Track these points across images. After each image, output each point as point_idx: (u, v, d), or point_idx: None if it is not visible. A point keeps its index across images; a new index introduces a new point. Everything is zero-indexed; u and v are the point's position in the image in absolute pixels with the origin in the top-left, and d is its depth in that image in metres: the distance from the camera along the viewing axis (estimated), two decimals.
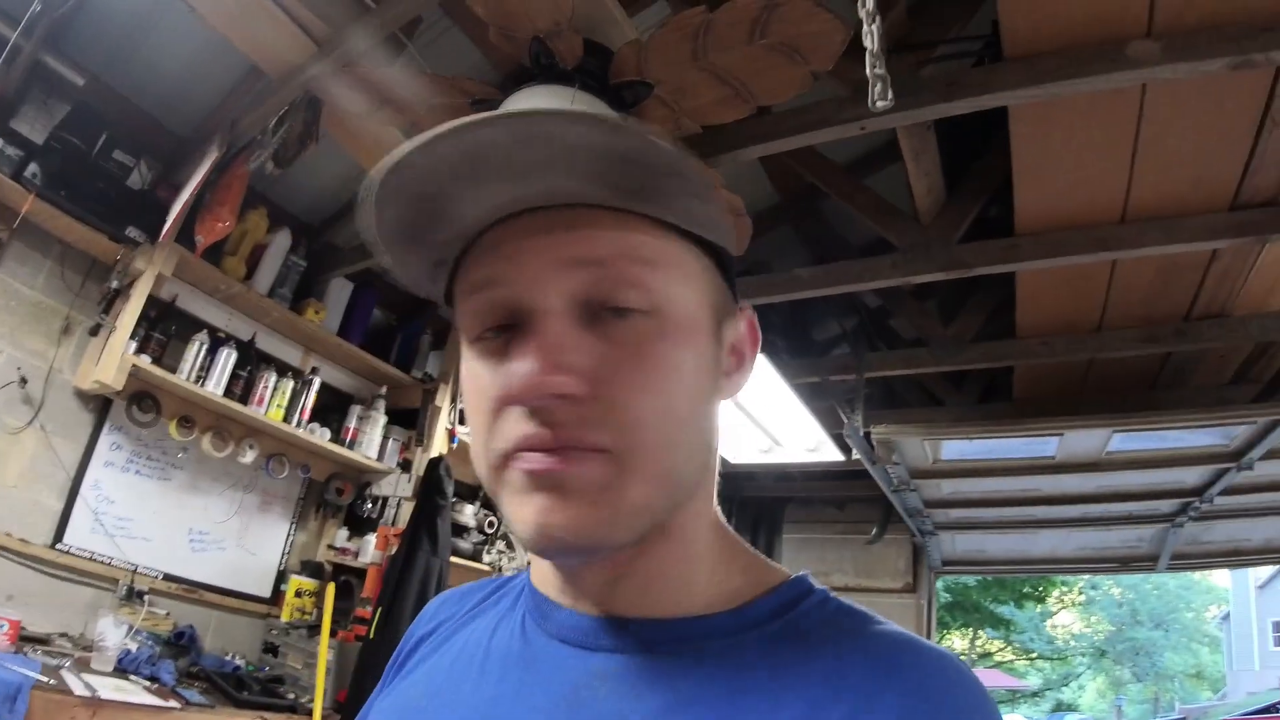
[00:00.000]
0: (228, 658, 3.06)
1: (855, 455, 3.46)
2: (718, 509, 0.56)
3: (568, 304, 0.47)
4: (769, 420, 3.33)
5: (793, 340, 3.87)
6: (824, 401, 3.49)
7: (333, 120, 2.37)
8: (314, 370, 3.41)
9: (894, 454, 3.56)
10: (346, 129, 2.41)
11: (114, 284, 2.70)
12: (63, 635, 2.56)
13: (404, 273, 0.52)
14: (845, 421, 3.33)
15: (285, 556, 3.51)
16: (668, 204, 0.48)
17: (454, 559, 3.27)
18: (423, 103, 2.03)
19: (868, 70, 1.23)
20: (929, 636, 4.65)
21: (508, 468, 0.47)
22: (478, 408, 0.50)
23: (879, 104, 1.25)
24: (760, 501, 5.50)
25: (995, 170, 2.53)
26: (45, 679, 1.97)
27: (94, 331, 2.75)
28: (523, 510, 0.46)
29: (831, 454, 3.54)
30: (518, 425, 0.46)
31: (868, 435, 3.41)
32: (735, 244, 0.55)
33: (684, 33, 1.71)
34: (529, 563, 0.60)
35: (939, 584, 5.25)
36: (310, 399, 3.30)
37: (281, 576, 3.45)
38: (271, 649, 3.29)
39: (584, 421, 0.45)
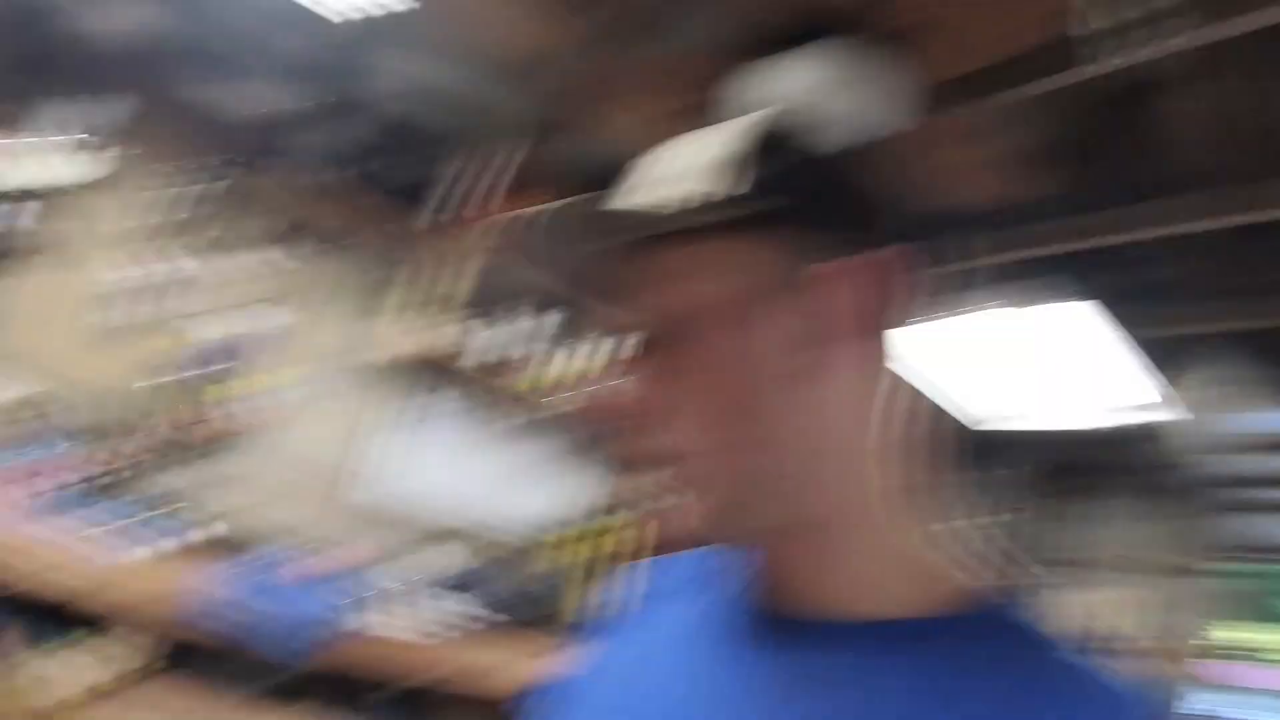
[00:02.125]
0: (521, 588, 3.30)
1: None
2: (911, 505, 0.54)
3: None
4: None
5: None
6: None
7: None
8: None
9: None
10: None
11: (409, 263, 3.03)
12: (363, 575, 2.90)
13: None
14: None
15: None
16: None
17: None
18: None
19: None
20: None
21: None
22: None
23: None
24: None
25: None
26: (342, 617, 2.25)
27: (396, 307, 3.12)
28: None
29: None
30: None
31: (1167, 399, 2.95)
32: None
33: None
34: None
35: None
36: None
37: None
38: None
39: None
